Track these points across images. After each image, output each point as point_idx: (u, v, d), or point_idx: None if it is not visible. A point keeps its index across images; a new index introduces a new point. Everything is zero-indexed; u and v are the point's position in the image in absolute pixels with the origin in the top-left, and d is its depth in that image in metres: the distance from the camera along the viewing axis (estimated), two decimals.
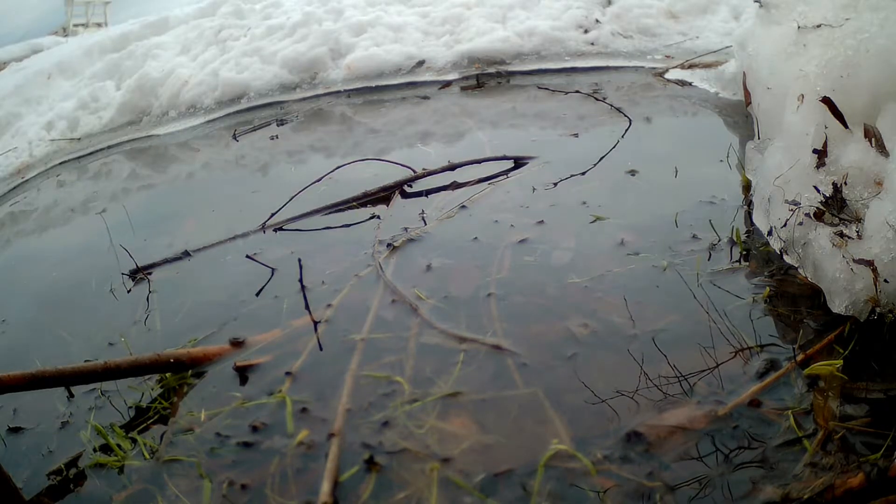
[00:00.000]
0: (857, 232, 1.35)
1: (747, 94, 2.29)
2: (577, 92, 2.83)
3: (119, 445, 1.32)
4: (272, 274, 1.84)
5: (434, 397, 1.31)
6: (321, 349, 1.49)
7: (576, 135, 2.47)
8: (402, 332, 1.51)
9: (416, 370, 1.39)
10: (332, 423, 1.28)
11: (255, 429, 1.32)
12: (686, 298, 1.48)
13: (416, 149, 2.63)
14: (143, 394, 1.48)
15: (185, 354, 1.52)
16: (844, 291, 1.33)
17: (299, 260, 1.79)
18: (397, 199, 2.13)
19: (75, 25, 10.11)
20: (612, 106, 2.56)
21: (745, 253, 1.62)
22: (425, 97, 3.34)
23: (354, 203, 2.12)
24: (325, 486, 1.15)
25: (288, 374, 1.44)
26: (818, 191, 1.46)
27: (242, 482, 1.21)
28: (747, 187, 1.86)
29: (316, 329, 1.54)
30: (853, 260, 1.31)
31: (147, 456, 1.30)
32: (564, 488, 1.10)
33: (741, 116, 2.42)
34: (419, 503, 1.11)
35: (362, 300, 1.64)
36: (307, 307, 1.62)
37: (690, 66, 3.07)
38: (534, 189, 2.07)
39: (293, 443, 1.26)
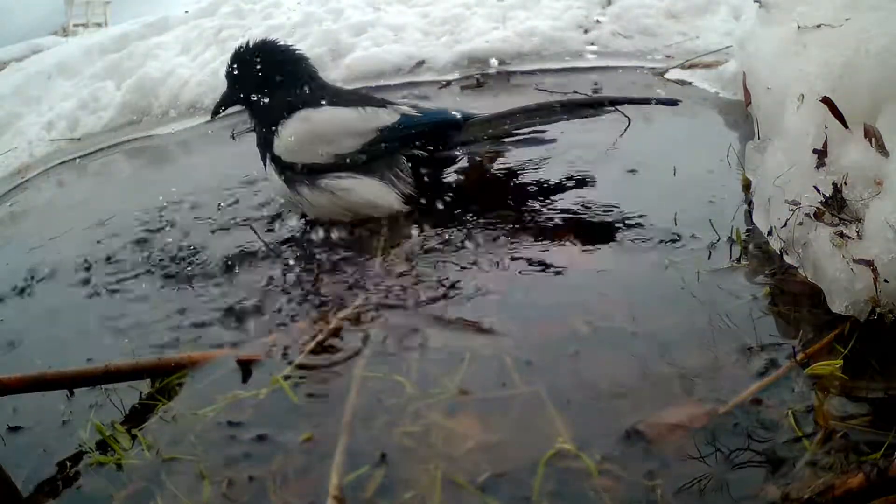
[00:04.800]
0: (857, 232, 1.35)
1: (747, 94, 2.29)
2: (576, 92, 2.83)
3: (119, 443, 1.32)
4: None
5: None
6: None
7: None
8: None
9: None
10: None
11: (256, 424, 1.32)
12: (686, 297, 1.49)
13: None
14: (142, 392, 1.48)
15: (186, 358, 1.51)
16: (844, 291, 1.33)
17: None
18: None
19: (75, 25, 10.10)
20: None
21: (745, 252, 1.62)
22: (426, 97, 3.33)
23: None
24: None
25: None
26: (818, 191, 1.46)
27: (243, 480, 1.21)
28: (747, 187, 1.86)
29: None
30: (853, 260, 1.31)
31: (147, 454, 1.30)
32: (565, 486, 1.10)
33: (741, 116, 2.41)
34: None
35: None
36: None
37: (690, 66, 3.07)
38: (533, 187, 2.07)
39: (298, 438, 1.27)
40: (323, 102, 2.01)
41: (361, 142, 1.96)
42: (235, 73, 2.09)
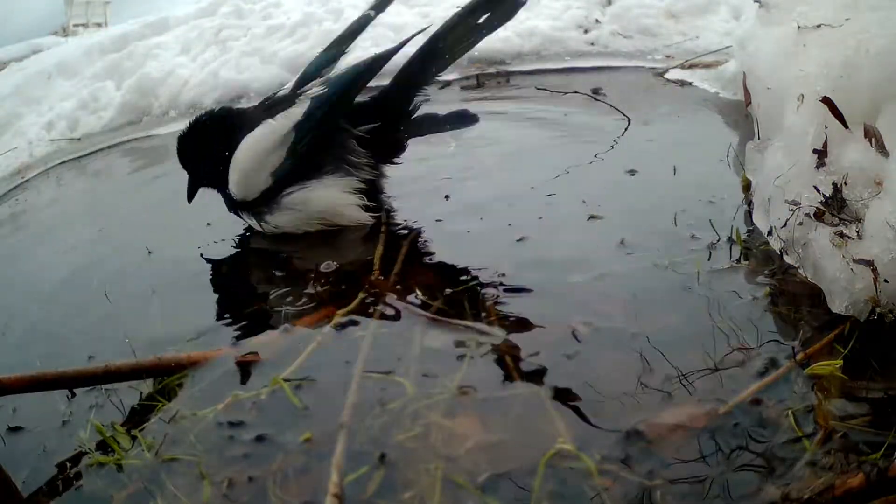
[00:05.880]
0: (857, 232, 1.35)
1: (747, 94, 2.29)
2: (576, 92, 2.83)
3: (119, 444, 1.32)
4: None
5: None
6: None
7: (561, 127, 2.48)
8: None
9: None
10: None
11: (256, 424, 1.32)
12: (686, 298, 1.49)
13: (418, 145, 2.60)
14: (142, 392, 1.48)
15: (186, 357, 1.51)
16: (844, 291, 1.33)
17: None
18: None
19: (75, 25, 10.10)
20: (611, 105, 2.56)
21: (745, 253, 1.62)
22: (425, 97, 3.33)
23: None
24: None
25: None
26: (818, 191, 1.46)
27: (243, 480, 1.21)
28: (747, 187, 1.86)
29: None
30: (853, 260, 1.31)
31: (147, 454, 1.30)
32: (565, 486, 1.10)
33: (741, 116, 2.42)
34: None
35: None
36: None
37: (690, 66, 3.07)
38: (532, 187, 2.07)
39: (298, 439, 1.27)
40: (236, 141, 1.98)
41: (285, 148, 1.92)
42: (187, 164, 2.10)
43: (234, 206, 2.06)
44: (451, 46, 1.98)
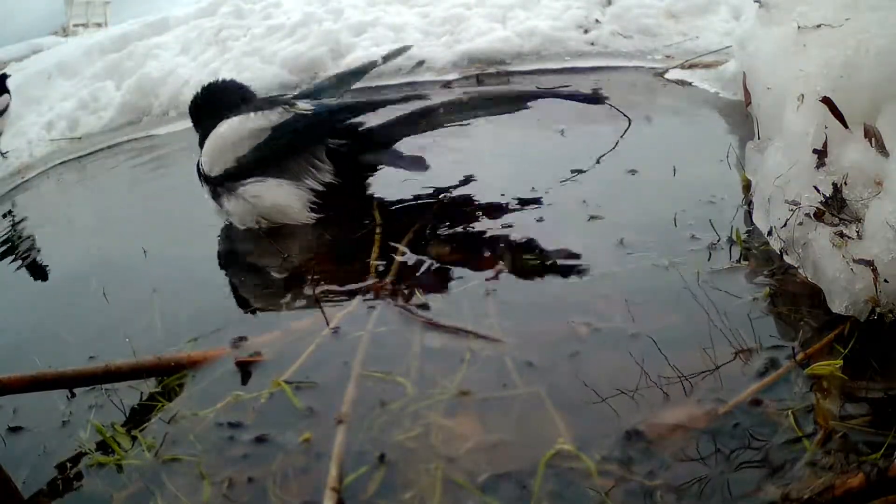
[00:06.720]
0: (857, 232, 1.35)
1: (747, 94, 2.29)
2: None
3: (119, 444, 1.32)
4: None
5: None
6: None
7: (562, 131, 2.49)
8: None
9: None
10: None
11: (256, 425, 1.32)
12: (686, 298, 1.48)
13: (419, 144, 2.60)
14: (142, 392, 1.48)
15: (186, 357, 1.51)
16: (844, 291, 1.33)
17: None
18: None
19: (75, 25, 10.12)
20: (611, 105, 2.55)
21: (745, 253, 1.62)
22: (425, 97, 3.33)
23: None
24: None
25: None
26: (818, 191, 1.46)
27: (243, 480, 1.21)
28: (747, 187, 1.86)
29: None
30: (853, 260, 1.31)
31: (147, 454, 1.30)
32: (565, 486, 1.10)
33: (741, 116, 2.41)
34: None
35: None
36: None
37: (690, 66, 3.07)
38: (533, 188, 2.07)
39: (297, 439, 1.27)
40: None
41: (255, 142, 2.08)
42: (193, 117, 2.31)
43: (199, 172, 2.21)
44: (437, 119, 2.16)
